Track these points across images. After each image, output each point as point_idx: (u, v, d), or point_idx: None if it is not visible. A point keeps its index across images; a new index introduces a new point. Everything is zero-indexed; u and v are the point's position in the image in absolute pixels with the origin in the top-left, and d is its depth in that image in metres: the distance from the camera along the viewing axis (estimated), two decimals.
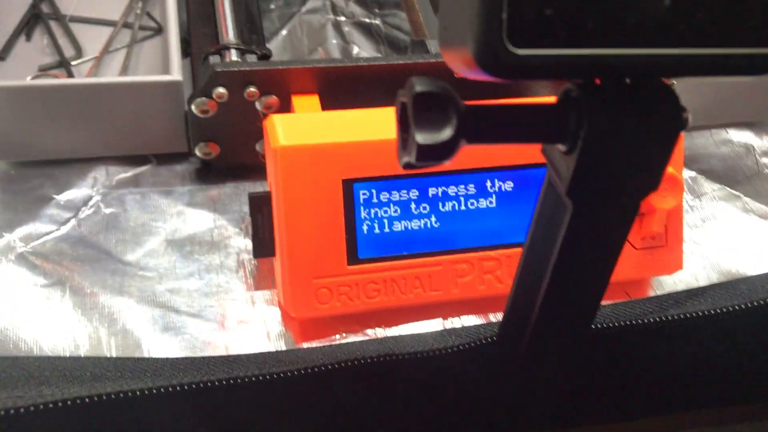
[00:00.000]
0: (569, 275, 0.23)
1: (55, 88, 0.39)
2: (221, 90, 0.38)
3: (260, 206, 0.36)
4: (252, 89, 0.39)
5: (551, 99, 0.22)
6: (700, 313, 0.31)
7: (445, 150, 0.19)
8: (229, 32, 0.42)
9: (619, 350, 0.30)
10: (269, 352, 0.28)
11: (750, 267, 0.42)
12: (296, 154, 0.34)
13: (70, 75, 0.45)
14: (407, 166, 0.20)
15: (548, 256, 0.23)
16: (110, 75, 0.46)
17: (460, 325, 0.38)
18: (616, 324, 0.29)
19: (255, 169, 0.42)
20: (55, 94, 0.39)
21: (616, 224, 0.22)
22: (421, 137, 0.19)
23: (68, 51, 0.47)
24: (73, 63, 0.46)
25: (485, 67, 0.18)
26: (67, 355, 0.34)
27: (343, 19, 0.54)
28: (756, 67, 0.19)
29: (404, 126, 0.20)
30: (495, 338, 0.28)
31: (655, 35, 0.19)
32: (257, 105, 0.39)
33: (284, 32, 0.52)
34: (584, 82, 0.20)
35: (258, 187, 0.43)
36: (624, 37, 0.18)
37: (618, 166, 0.20)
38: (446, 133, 0.19)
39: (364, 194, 0.35)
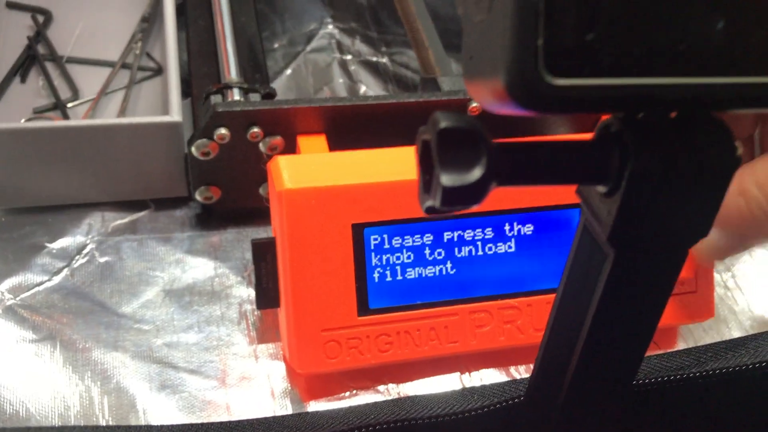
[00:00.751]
0: (610, 329, 0.21)
1: (48, 131, 0.37)
2: (223, 131, 0.36)
3: (264, 253, 0.33)
4: (255, 130, 0.37)
5: (583, 136, 0.19)
6: (743, 367, 0.28)
7: (474, 193, 0.17)
8: (232, 71, 0.40)
9: (658, 407, 0.27)
10: (273, 417, 0.26)
11: None
12: (302, 197, 0.32)
13: (66, 117, 0.43)
14: (430, 210, 0.18)
15: (586, 309, 0.21)
16: (108, 117, 0.44)
17: (479, 379, 0.35)
18: (654, 380, 0.27)
19: (258, 213, 0.40)
20: (48, 136, 0.37)
21: (662, 273, 0.20)
22: (447, 179, 0.16)
23: (65, 93, 0.45)
24: (69, 105, 0.44)
25: (518, 99, 0.16)
26: (56, 416, 0.32)
27: (349, 57, 0.52)
28: None
29: (426, 167, 0.18)
30: (522, 398, 0.26)
31: (709, 62, 0.16)
32: (261, 146, 0.37)
33: (289, 71, 0.50)
34: (626, 116, 0.18)
35: (262, 233, 0.41)
36: (674, 64, 0.16)
37: (666, 209, 0.18)
38: (475, 174, 0.17)
39: (375, 239, 0.33)
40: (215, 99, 0.38)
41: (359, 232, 0.33)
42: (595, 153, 0.18)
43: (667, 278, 0.20)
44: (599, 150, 0.18)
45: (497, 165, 0.17)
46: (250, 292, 0.38)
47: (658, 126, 0.18)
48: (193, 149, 0.37)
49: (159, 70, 0.47)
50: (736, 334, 0.38)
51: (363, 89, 0.50)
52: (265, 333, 0.36)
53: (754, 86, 0.17)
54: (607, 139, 0.18)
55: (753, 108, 0.17)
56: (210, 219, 0.41)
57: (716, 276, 0.41)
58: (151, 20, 0.50)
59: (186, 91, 0.44)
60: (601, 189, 0.19)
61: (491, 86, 0.16)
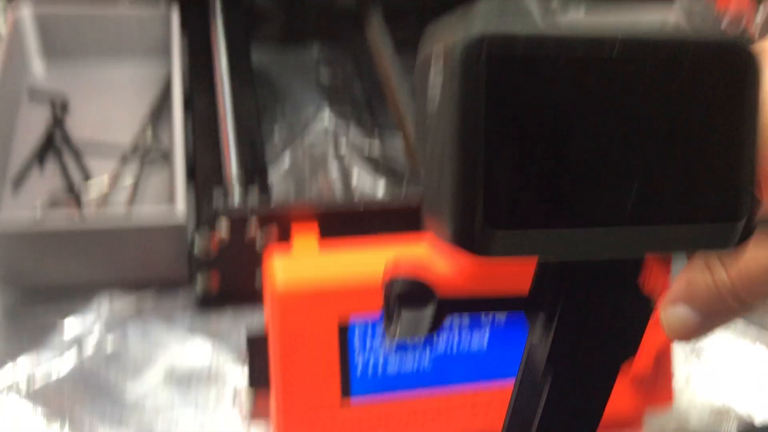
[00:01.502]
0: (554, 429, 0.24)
1: (63, 231, 0.41)
2: (223, 231, 0.40)
3: (257, 348, 0.36)
4: (253, 224, 0.40)
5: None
6: None
7: (424, 340, 0.20)
8: (233, 166, 0.44)
9: None
10: None
11: (739, 403, 0.42)
12: (294, 300, 0.35)
13: (79, 203, 0.47)
14: (390, 342, 0.21)
15: (533, 415, 0.24)
16: (119, 198, 0.48)
17: None
18: None
19: (254, 295, 0.43)
20: (63, 234, 0.41)
21: (595, 386, 0.23)
22: (401, 333, 0.20)
23: (78, 174, 0.49)
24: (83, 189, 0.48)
25: (462, 245, 0.19)
26: None
27: (343, 143, 0.56)
28: (718, 241, 0.20)
29: (389, 312, 0.21)
30: None
31: (629, 213, 0.19)
32: (258, 235, 0.41)
33: (287, 157, 0.54)
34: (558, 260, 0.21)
35: (257, 314, 0.43)
36: (596, 216, 0.19)
37: (595, 336, 0.22)
38: (423, 329, 0.20)
39: (359, 336, 0.36)
40: (216, 196, 0.42)
41: (345, 330, 0.35)
42: (531, 299, 0.21)
43: (601, 390, 0.23)
44: (535, 291, 0.21)
45: (443, 318, 0.20)
46: (245, 373, 0.40)
47: (589, 267, 0.21)
48: (195, 249, 0.40)
49: (167, 155, 0.51)
50: (695, 425, 0.41)
51: (356, 171, 0.54)
52: (257, 413, 0.39)
53: (667, 232, 0.20)
54: (543, 275, 0.21)
55: (666, 252, 0.20)
56: (209, 301, 0.44)
57: (679, 366, 0.44)
58: (161, 108, 0.54)
59: (192, 173, 0.47)
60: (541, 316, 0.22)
61: (441, 228, 0.19)
